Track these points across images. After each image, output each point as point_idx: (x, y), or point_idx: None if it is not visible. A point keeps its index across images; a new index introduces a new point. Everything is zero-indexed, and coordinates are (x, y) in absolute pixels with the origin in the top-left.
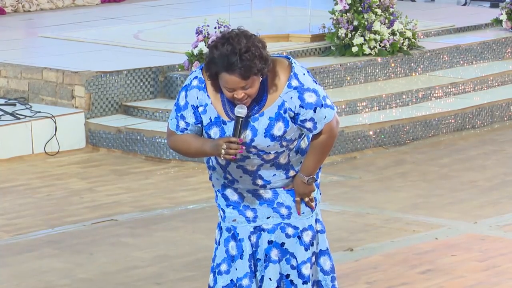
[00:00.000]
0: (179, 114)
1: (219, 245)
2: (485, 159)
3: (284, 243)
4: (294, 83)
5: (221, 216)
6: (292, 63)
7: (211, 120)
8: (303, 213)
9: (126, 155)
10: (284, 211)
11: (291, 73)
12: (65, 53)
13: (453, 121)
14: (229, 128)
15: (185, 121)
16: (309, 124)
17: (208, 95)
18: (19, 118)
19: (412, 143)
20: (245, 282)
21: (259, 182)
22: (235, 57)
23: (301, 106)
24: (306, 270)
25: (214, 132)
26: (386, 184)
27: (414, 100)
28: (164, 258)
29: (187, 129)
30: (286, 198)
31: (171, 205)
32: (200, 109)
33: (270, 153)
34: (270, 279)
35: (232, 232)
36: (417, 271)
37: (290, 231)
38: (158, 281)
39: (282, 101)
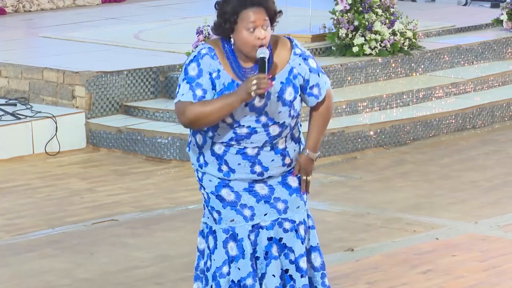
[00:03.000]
0: (193, 84)
1: (216, 248)
2: (485, 159)
3: (282, 238)
4: (297, 51)
5: (214, 219)
6: (289, 37)
7: (224, 86)
8: (303, 201)
9: (127, 155)
10: (280, 205)
11: (292, 43)
12: (65, 53)
13: (453, 121)
14: None
15: (202, 89)
16: (315, 90)
17: (219, 62)
18: (20, 118)
19: (412, 143)
20: (249, 281)
21: (258, 169)
22: None
23: (310, 71)
24: (303, 263)
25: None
26: (386, 184)
27: (414, 100)
28: (165, 258)
29: (204, 97)
30: (282, 192)
31: (172, 205)
32: (214, 74)
33: (278, 123)
34: (273, 275)
35: (231, 232)
36: (418, 271)
37: (287, 225)
38: (158, 281)
39: (291, 67)
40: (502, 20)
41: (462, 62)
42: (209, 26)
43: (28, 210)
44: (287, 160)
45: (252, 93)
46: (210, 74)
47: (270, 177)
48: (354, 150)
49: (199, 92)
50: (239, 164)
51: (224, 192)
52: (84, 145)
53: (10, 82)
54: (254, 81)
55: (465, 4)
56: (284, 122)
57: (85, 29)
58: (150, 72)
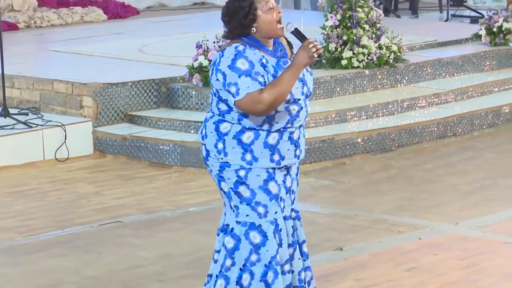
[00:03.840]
0: (252, 75)
1: (268, 239)
2: (465, 165)
3: (295, 227)
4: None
5: (259, 214)
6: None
7: (274, 67)
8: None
9: (131, 161)
10: (293, 197)
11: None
12: (74, 66)
13: (435, 129)
14: (288, 64)
15: (261, 75)
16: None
17: (257, 50)
18: (31, 127)
19: (397, 150)
20: (287, 267)
21: (298, 152)
22: None
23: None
24: (305, 248)
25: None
26: (373, 188)
27: (399, 109)
28: (166, 257)
29: (266, 82)
30: (294, 185)
31: (173, 207)
32: (263, 60)
33: (310, 93)
34: (299, 258)
35: (276, 224)
36: (402, 269)
37: (293, 214)
38: (160, 279)
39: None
40: (481, 35)
41: (443, 74)
42: (207, 40)
43: (39, 212)
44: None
45: (315, 54)
46: (260, 60)
47: (291, 167)
48: (343, 156)
49: (261, 79)
50: (288, 149)
51: (271, 185)
52: (91, 152)
53: (23, 93)
54: (311, 45)
55: (446, 20)
56: (311, 91)
57: (92, 43)
58: (153, 83)
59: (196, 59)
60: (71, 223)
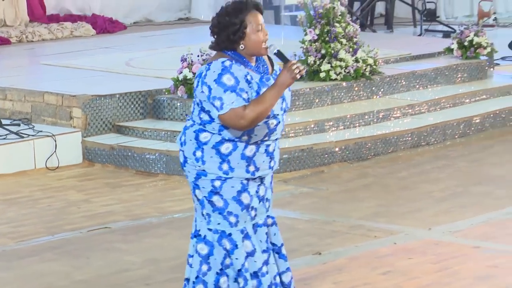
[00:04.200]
0: (237, 91)
1: (237, 248)
2: (438, 173)
3: (268, 233)
4: (276, 64)
5: (230, 223)
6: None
7: (258, 83)
8: None
9: (119, 170)
10: (267, 204)
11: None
12: (64, 79)
13: (410, 138)
14: (271, 81)
15: (245, 91)
16: None
17: (243, 67)
18: (23, 137)
19: (373, 158)
20: (265, 269)
21: (272, 163)
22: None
23: None
24: (284, 250)
25: (263, 91)
26: (350, 195)
27: (375, 120)
28: (153, 261)
29: (249, 98)
30: (269, 193)
31: (159, 214)
32: (248, 77)
33: (287, 108)
34: (273, 263)
35: (245, 232)
36: (378, 272)
37: (269, 221)
38: (147, 282)
39: (278, 67)
40: (453, 49)
41: (417, 86)
42: (192, 54)
43: (30, 219)
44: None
45: (297, 76)
46: (245, 77)
47: (264, 178)
48: (321, 164)
49: (245, 95)
50: (263, 161)
51: (244, 196)
52: (81, 161)
53: (14, 105)
54: (295, 66)
55: (419, 35)
56: (289, 106)
57: (81, 57)
58: (140, 95)
59: (181, 72)
60: (61, 229)
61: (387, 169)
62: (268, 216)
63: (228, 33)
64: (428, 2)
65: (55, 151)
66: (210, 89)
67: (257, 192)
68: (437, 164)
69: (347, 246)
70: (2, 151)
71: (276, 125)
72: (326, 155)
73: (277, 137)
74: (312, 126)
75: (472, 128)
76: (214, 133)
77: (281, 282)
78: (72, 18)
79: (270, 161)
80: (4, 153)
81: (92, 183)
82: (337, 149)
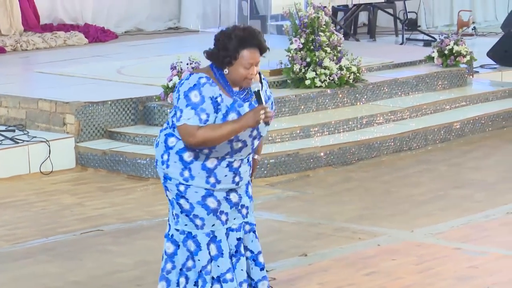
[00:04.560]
0: (198, 110)
1: (200, 250)
2: (420, 177)
3: (241, 238)
4: (262, 75)
5: (196, 226)
6: None
7: (228, 107)
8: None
9: (111, 174)
10: (244, 211)
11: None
12: (57, 86)
13: (392, 144)
14: (243, 110)
15: (206, 113)
16: (272, 106)
17: (218, 88)
18: (18, 142)
19: (357, 163)
20: (229, 276)
21: (237, 179)
22: (258, 35)
23: (270, 93)
24: (261, 259)
25: (232, 117)
26: (335, 198)
27: (359, 126)
28: (144, 263)
29: (208, 120)
30: (245, 200)
31: (150, 217)
32: (218, 99)
33: (260, 136)
34: (242, 270)
35: (212, 235)
36: (362, 273)
37: (247, 227)
38: (138, 283)
39: (265, 89)
40: (434, 57)
41: (399, 93)
42: (181, 62)
43: (25, 222)
44: (250, 170)
45: (261, 122)
46: (214, 98)
47: (239, 187)
48: (307, 169)
49: (203, 116)
50: (225, 176)
51: (209, 201)
52: (74, 166)
53: (9, 111)
54: (263, 112)
55: (401, 44)
56: (262, 135)
57: (74, 65)
58: (131, 102)
59: (171, 80)
60: (55, 231)
61: (370, 173)
62: (246, 223)
63: (219, 54)
64: (409, 12)
65: (49, 156)
66: (178, 98)
67: (226, 198)
68: (419, 168)
69: (332, 248)
70: None
71: (242, 147)
72: (311, 160)
73: (242, 157)
74: (298, 131)
75: (453, 134)
76: (180, 139)
77: None
78: (65, 27)
79: (235, 177)
80: (0, 158)
81: (85, 187)
82: (322, 154)
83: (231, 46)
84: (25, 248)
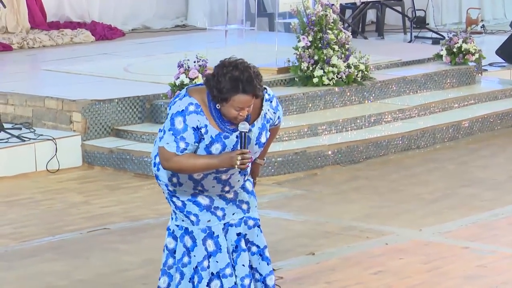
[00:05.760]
0: (178, 137)
1: (196, 246)
2: (428, 175)
3: (246, 234)
4: (266, 96)
5: (191, 222)
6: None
7: (212, 138)
8: (256, 202)
9: (117, 172)
10: (244, 206)
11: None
12: (64, 84)
13: (400, 142)
14: (230, 141)
15: (185, 142)
16: (277, 121)
17: (206, 117)
18: (24, 140)
19: (365, 161)
20: (228, 271)
21: (226, 188)
22: (254, 80)
23: (274, 112)
24: (267, 253)
25: (216, 148)
26: (343, 197)
27: (366, 124)
28: (150, 261)
29: (186, 149)
30: (243, 195)
31: (156, 215)
32: (203, 130)
33: (252, 161)
34: (243, 265)
35: (208, 231)
36: (370, 272)
37: (251, 222)
38: (145, 282)
39: (264, 113)
40: (442, 55)
41: (407, 91)
42: (188, 60)
43: (31, 220)
44: (246, 177)
45: (236, 167)
46: (198, 128)
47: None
48: (314, 167)
49: (182, 145)
50: (213, 186)
51: (200, 198)
52: (80, 164)
53: (16, 109)
54: (239, 157)
55: (410, 41)
56: (255, 159)
57: (81, 63)
58: (138, 100)
59: (178, 78)
60: (62, 230)
61: (378, 171)
62: (249, 218)
63: (213, 89)
64: (417, 9)
65: (55, 154)
66: (167, 116)
67: (220, 195)
68: (427, 167)
69: (340, 247)
70: (4, 154)
71: (228, 168)
72: (319, 158)
73: (229, 175)
74: (306, 130)
75: (461, 132)
76: None
77: (265, 285)
78: (72, 25)
79: (224, 187)
80: (6, 156)
81: (92, 185)
82: (329, 152)
83: (224, 88)
84: (32, 246)
